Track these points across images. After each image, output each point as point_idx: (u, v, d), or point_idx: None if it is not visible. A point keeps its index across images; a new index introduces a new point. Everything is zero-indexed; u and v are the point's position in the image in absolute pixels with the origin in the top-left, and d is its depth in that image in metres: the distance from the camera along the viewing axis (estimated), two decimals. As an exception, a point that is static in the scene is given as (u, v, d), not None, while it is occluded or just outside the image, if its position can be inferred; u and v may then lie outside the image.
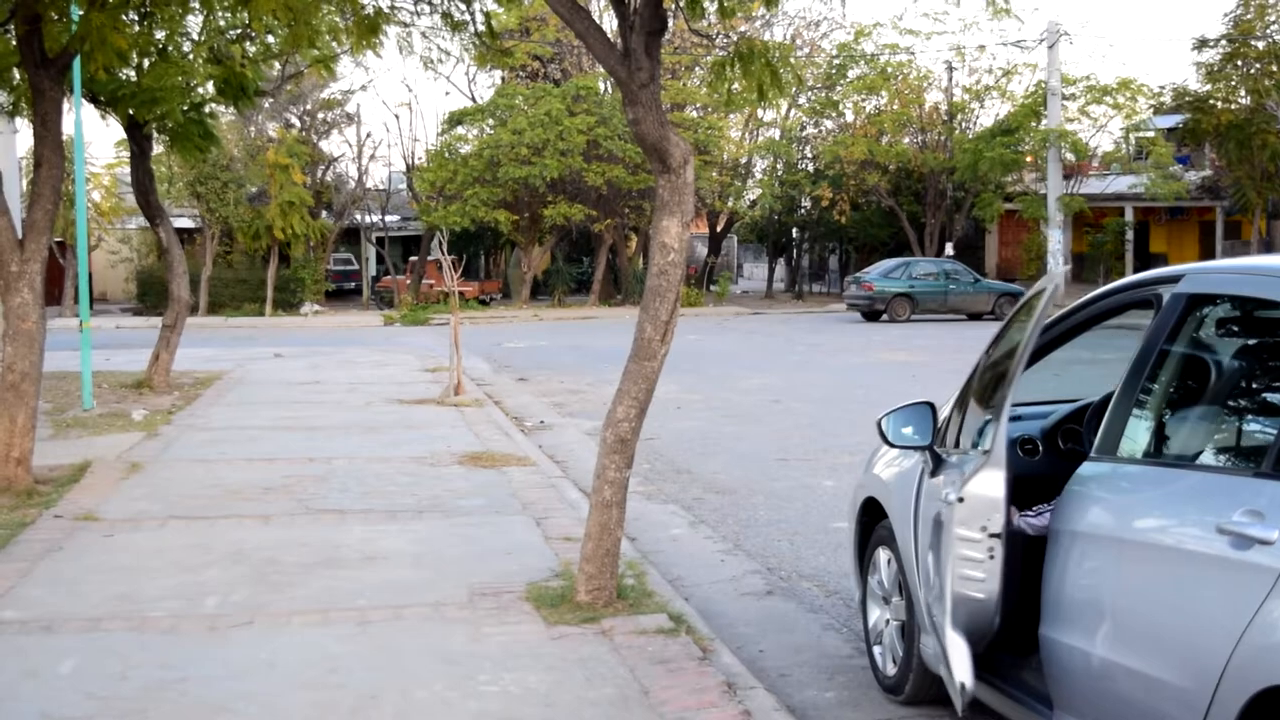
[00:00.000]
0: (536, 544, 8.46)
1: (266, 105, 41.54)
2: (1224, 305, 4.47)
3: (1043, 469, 5.39)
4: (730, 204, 50.11)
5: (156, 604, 7.01)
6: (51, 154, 10.51)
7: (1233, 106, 40.98)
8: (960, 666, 4.70)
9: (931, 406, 5.49)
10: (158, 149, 20.16)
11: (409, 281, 46.76)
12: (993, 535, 4.63)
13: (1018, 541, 4.86)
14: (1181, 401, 4.59)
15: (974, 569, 4.70)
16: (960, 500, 4.72)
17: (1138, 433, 4.43)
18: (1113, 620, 4.13)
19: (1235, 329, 4.52)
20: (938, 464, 5.23)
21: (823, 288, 58.04)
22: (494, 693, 5.62)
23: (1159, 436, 4.45)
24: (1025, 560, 4.82)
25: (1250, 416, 4.33)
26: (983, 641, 4.78)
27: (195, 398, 17.12)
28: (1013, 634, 4.90)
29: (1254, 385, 4.42)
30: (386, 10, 9.71)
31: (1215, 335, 4.54)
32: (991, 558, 4.64)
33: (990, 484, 4.66)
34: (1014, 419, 5.78)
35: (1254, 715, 3.44)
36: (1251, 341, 4.47)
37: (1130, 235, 47.60)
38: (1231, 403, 4.47)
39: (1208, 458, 4.35)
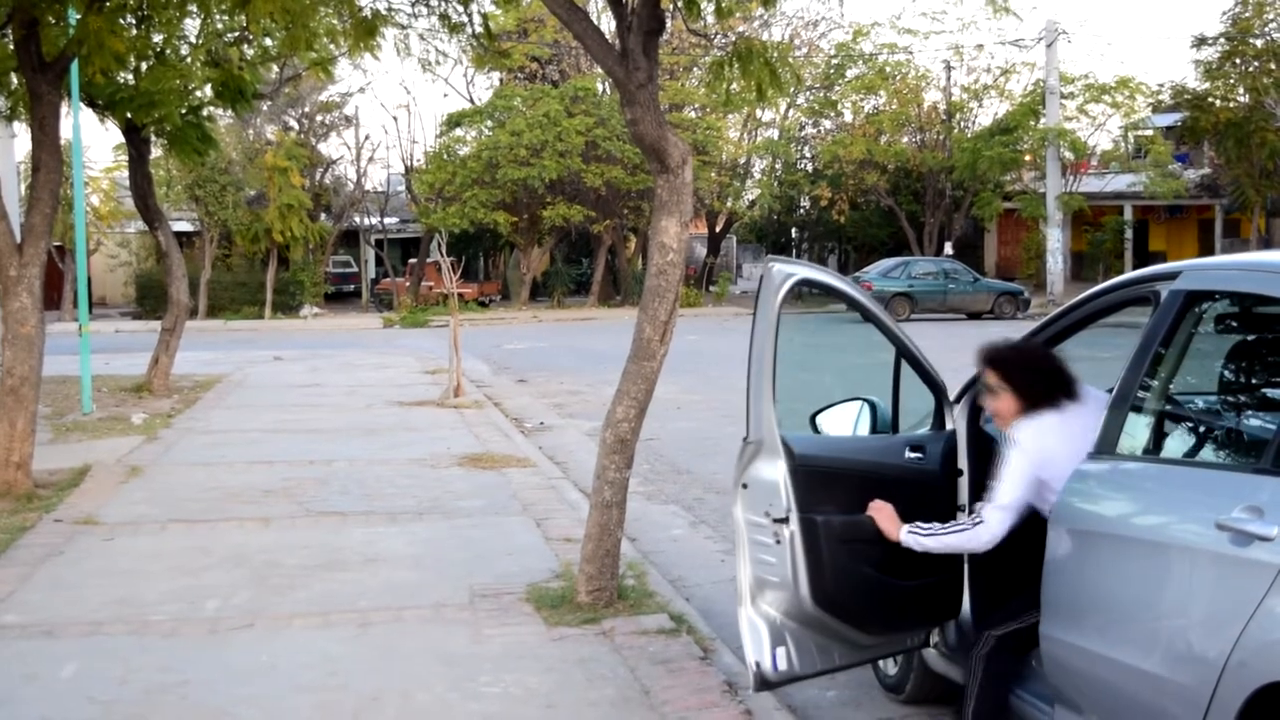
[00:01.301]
0: (537, 545, 8.46)
1: (264, 108, 41.53)
2: (1222, 301, 4.46)
3: None
4: (729, 204, 50.08)
5: (157, 607, 7.01)
6: (49, 158, 10.50)
7: (1231, 104, 40.94)
8: (753, 646, 4.80)
9: (871, 404, 5.57)
10: (156, 152, 20.19)
11: (408, 283, 46.76)
12: (776, 520, 4.79)
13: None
14: (1180, 398, 4.59)
15: (765, 553, 4.87)
16: (744, 486, 4.82)
17: (1136, 430, 4.43)
18: (1112, 617, 4.13)
19: (1234, 325, 4.52)
20: None
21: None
22: (495, 694, 5.62)
23: (1158, 433, 4.45)
24: (1019, 557, 4.82)
25: (1249, 412, 4.33)
26: (805, 626, 4.86)
27: (195, 401, 17.11)
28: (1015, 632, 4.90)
29: (1252, 381, 4.43)
30: (384, 12, 9.71)
31: (1213, 332, 4.54)
32: (778, 542, 4.79)
33: (767, 470, 4.84)
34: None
35: (1254, 711, 3.44)
36: (1250, 337, 4.47)
37: (1129, 234, 47.62)
38: (1230, 399, 4.47)
39: (1207, 454, 4.36)
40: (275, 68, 21.07)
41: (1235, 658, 3.50)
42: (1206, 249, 46.57)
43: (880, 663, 5.97)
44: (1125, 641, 4.05)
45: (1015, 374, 4.80)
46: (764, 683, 4.92)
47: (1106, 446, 4.46)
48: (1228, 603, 3.58)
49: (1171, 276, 4.54)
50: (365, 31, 9.52)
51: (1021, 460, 4.63)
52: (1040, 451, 4.62)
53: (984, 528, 4.66)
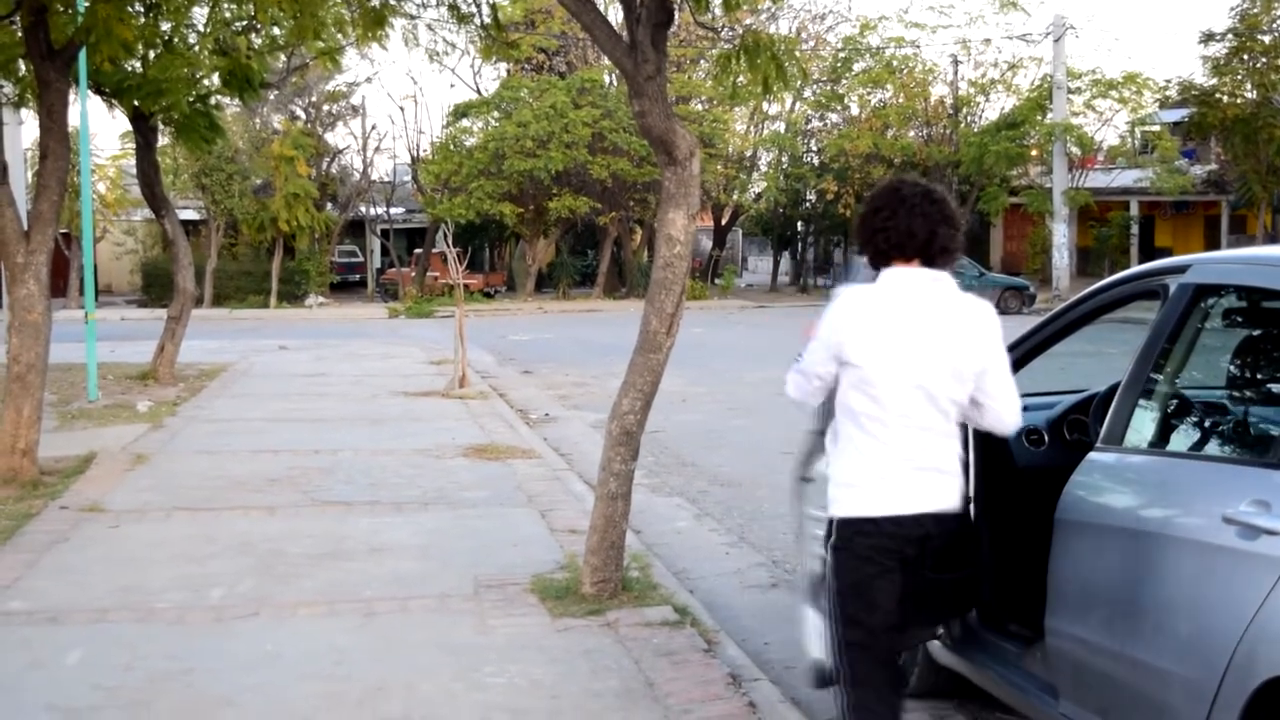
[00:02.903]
0: (542, 536, 8.46)
1: (272, 97, 41.56)
2: (1231, 296, 4.46)
3: (1048, 460, 5.38)
4: (735, 197, 50.06)
5: (162, 595, 7.02)
6: (57, 145, 10.51)
7: (1239, 100, 40.89)
8: (814, 642, 4.77)
9: None
10: (163, 141, 20.19)
11: (414, 274, 46.78)
12: None
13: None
14: (1187, 392, 4.59)
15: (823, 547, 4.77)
16: (808, 480, 4.81)
17: (1144, 423, 4.43)
18: (1118, 610, 4.13)
19: (1242, 319, 4.52)
20: None
21: (827, 281, 57.92)
22: (499, 684, 5.62)
23: (1165, 426, 4.44)
24: (1026, 550, 4.82)
25: (1257, 406, 4.32)
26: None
27: (200, 389, 17.13)
28: (1018, 623, 4.91)
29: (1260, 375, 4.42)
30: (392, 2, 9.70)
31: (1222, 326, 4.54)
32: None
33: None
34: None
35: (1260, 705, 3.44)
36: (1258, 332, 4.47)
37: (1135, 229, 47.54)
38: (1238, 393, 4.47)
39: (1214, 448, 4.35)
40: (283, 57, 21.08)
41: (1241, 651, 3.50)
42: (1212, 245, 46.48)
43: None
44: (1130, 635, 4.05)
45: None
46: (823, 680, 4.87)
47: (1113, 439, 4.46)
48: (1234, 596, 3.58)
49: (1180, 270, 4.54)
50: (373, 21, 9.51)
51: (823, 326, 4.10)
52: (843, 324, 4.06)
53: (788, 384, 4.32)
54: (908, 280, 4.08)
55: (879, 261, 4.13)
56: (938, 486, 4.08)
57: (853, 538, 4.08)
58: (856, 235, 4.25)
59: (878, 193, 4.24)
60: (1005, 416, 4.15)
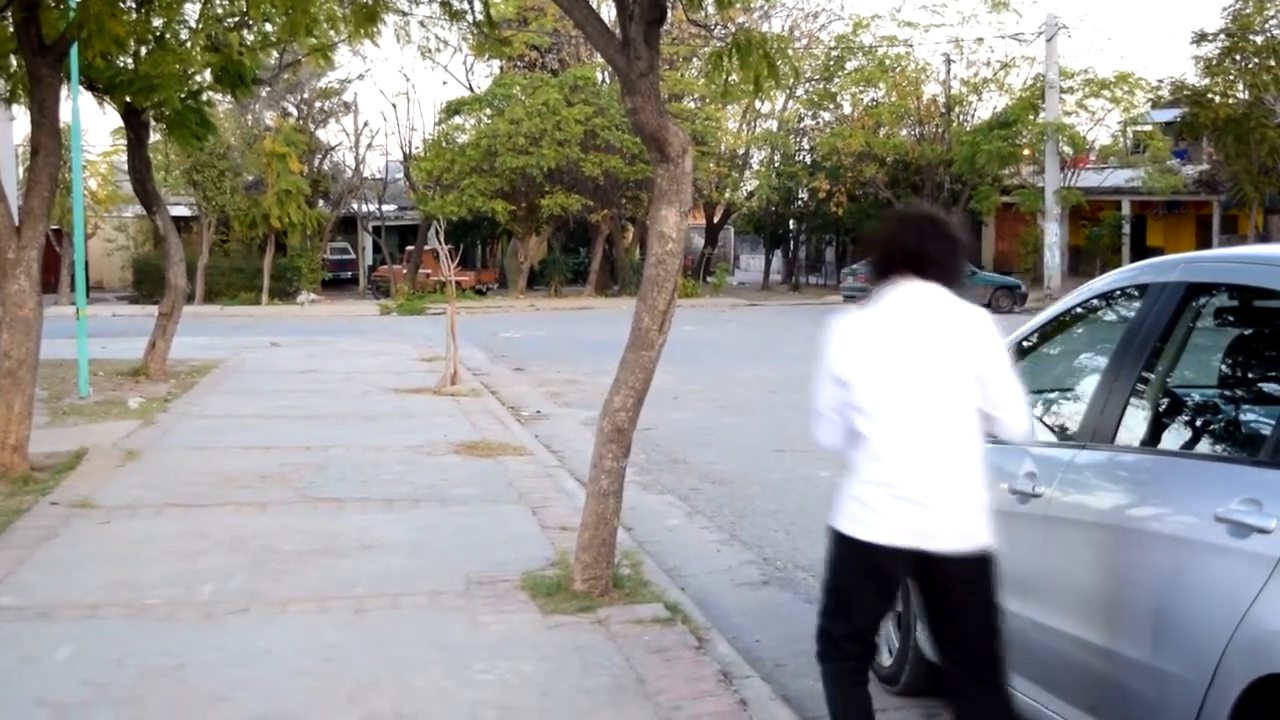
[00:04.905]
0: (533, 533, 8.46)
1: (264, 93, 41.53)
2: (1222, 294, 4.47)
3: None
4: (727, 195, 50.11)
5: (153, 591, 7.01)
6: (49, 141, 10.49)
7: (1231, 101, 40.89)
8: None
9: None
10: (155, 137, 20.17)
11: (405, 271, 46.74)
12: None
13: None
14: (1178, 390, 4.60)
15: None
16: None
17: (1135, 421, 4.44)
18: (1110, 609, 4.14)
19: (1233, 318, 4.53)
20: None
21: (819, 279, 58.05)
22: (490, 681, 5.62)
23: (1156, 425, 4.45)
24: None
25: (1247, 405, 4.33)
26: None
27: (191, 386, 17.11)
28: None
29: (1251, 374, 4.43)
30: (385, -2, 9.69)
31: (1213, 324, 4.55)
32: None
33: None
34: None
35: (1251, 703, 3.45)
36: (1248, 331, 4.48)
37: (1127, 229, 47.57)
38: (1228, 391, 4.48)
39: (1205, 446, 4.36)
40: (275, 53, 21.02)
41: (1232, 649, 3.51)
42: (1204, 245, 46.47)
43: (875, 654, 5.96)
44: (1121, 632, 4.06)
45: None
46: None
47: (1104, 437, 4.47)
48: (1225, 595, 3.59)
49: (1171, 269, 4.55)
50: (366, 18, 9.50)
51: (822, 357, 4.24)
52: (835, 344, 4.19)
53: (816, 432, 4.37)
54: (898, 294, 4.17)
55: (879, 278, 4.22)
56: (942, 519, 4.05)
57: (839, 548, 4.25)
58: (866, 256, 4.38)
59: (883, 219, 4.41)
60: (1013, 424, 4.18)
